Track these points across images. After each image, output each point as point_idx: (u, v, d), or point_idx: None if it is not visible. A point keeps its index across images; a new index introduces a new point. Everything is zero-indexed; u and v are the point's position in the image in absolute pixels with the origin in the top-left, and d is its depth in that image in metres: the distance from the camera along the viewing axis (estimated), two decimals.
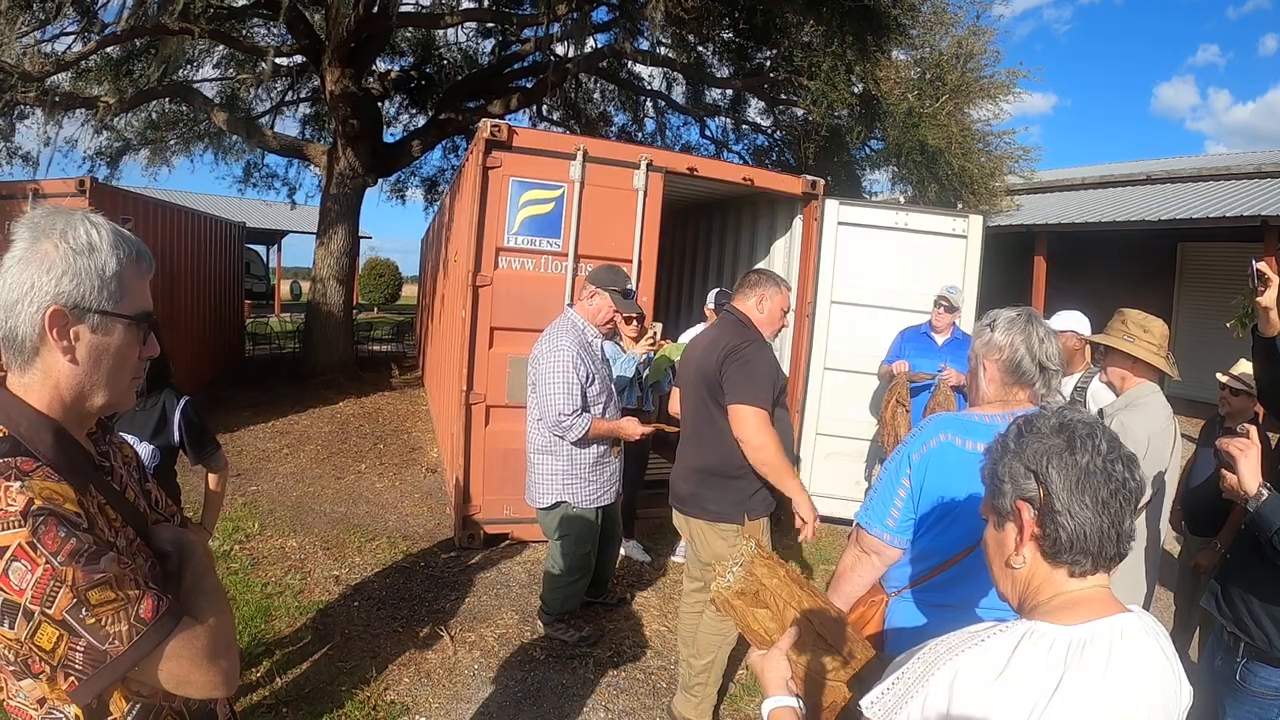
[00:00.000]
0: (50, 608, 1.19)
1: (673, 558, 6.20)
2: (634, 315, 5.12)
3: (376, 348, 17.87)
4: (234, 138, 15.59)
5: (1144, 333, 3.48)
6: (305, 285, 31.52)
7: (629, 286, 4.68)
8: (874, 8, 9.66)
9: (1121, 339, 3.50)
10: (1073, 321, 4.80)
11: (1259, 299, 2.91)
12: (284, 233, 29.55)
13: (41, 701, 1.33)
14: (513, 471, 5.99)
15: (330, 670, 4.27)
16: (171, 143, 15.90)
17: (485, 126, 5.70)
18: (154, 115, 15.24)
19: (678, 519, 4.01)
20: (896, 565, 2.50)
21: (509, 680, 4.31)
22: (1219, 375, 4.66)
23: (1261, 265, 2.90)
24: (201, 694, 1.38)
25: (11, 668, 1.29)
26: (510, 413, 6.00)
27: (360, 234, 13.96)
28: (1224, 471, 2.63)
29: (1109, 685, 1.18)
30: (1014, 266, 13.54)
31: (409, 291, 33.99)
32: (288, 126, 20.58)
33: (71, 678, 1.25)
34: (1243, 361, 4.63)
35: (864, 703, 1.37)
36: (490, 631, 4.84)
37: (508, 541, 6.19)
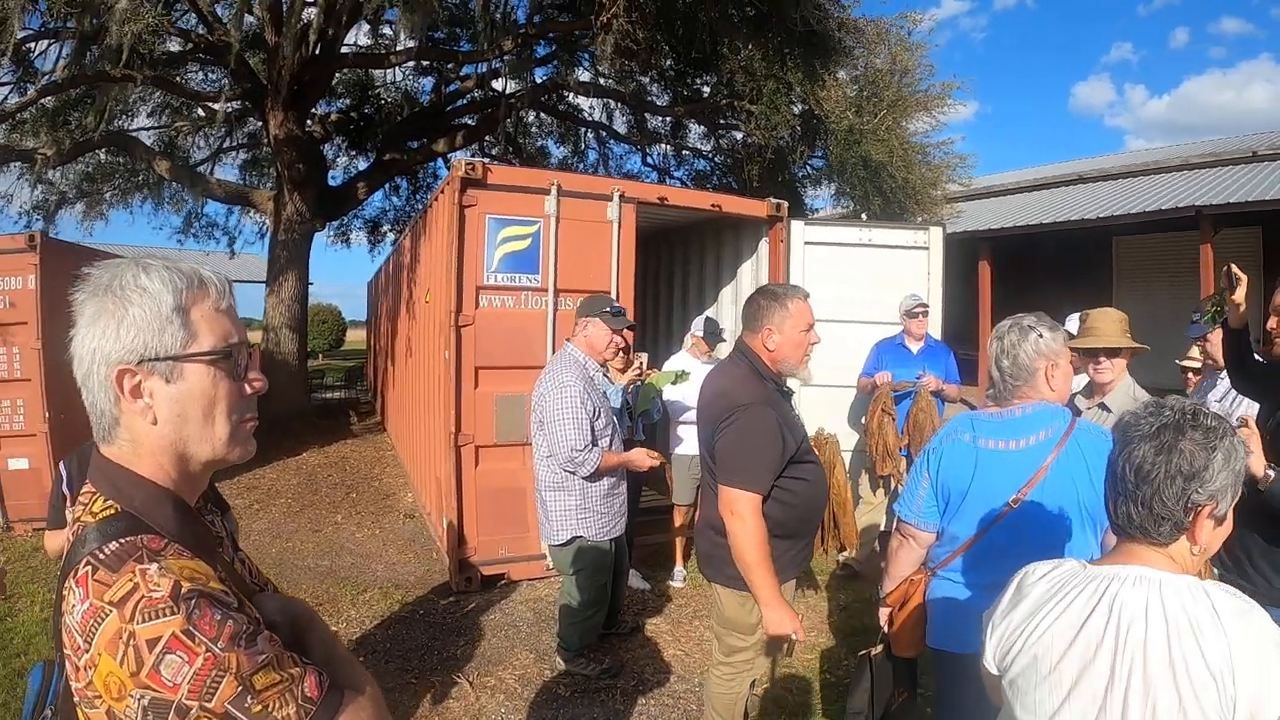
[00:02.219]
0: (211, 700, 1.07)
1: (671, 583, 6.22)
2: (628, 327, 4.98)
3: (329, 395, 17.59)
4: (174, 187, 15.35)
5: (1128, 328, 3.77)
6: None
7: (614, 304, 4.70)
8: (821, 31, 9.89)
9: (1128, 339, 3.78)
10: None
11: (1233, 296, 3.21)
12: None
13: None
14: (506, 511, 5.98)
15: None
16: (108, 195, 15.58)
17: (460, 165, 5.71)
18: (90, 168, 14.95)
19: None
20: (935, 547, 2.81)
21: None
22: (1179, 362, 5.33)
23: (1235, 268, 3.19)
24: None
25: None
26: (499, 452, 5.99)
27: None
28: None
29: (1088, 604, 1.53)
30: (961, 273, 13.85)
31: (353, 336, 33.56)
32: (225, 173, 20.46)
33: None
34: (1194, 346, 5.14)
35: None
36: (508, 674, 4.77)
37: (504, 581, 6.13)
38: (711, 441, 3.17)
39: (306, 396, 13.74)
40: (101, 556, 1.11)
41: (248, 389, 1.31)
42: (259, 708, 1.10)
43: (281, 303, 12.65)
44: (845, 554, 6.54)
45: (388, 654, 5.08)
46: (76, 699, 1.15)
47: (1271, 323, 3.09)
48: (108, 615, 1.07)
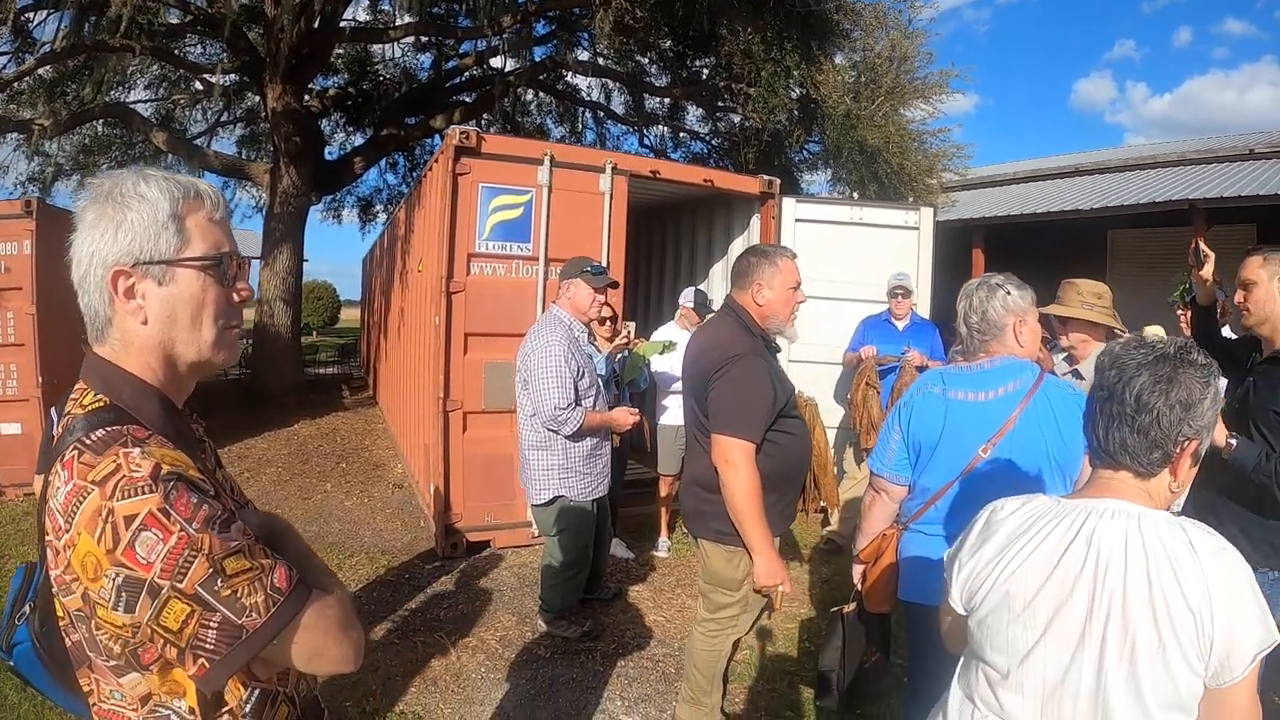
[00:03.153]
0: (182, 581, 1.10)
1: (655, 552, 6.28)
2: (610, 285, 4.93)
3: (323, 370, 17.59)
4: (170, 159, 15.32)
5: (1098, 299, 3.87)
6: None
7: (595, 264, 4.71)
8: (819, 13, 9.89)
9: (1081, 308, 3.81)
10: None
11: (1200, 273, 3.39)
12: None
13: (146, 699, 1.21)
14: (493, 477, 6.02)
15: (330, 687, 4.08)
16: (104, 166, 15.54)
17: (454, 133, 5.71)
18: (86, 139, 14.92)
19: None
20: (906, 500, 2.86)
21: (519, 680, 4.30)
22: None
23: (1203, 245, 3.38)
24: (333, 668, 1.29)
25: (113, 662, 1.18)
26: (487, 419, 6.03)
27: None
28: None
29: (1064, 537, 1.53)
30: (954, 260, 13.86)
31: (347, 315, 33.47)
32: (222, 147, 20.19)
33: (201, 659, 1.14)
34: (1145, 329, 5.41)
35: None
36: (490, 635, 4.82)
37: (489, 549, 6.18)
38: (703, 394, 3.19)
39: (300, 370, 13.75)
40: (88, 442, 1.15)
41: (235, 297, 1.36)
42: (228, 592, 1.13)
43: (276, 275, 12.64)
44: (829, 528, 6.61)
45: (372, 615, 5.11)
46: (55, 589, 1.19)
47: (1238, 296, 3.15)
48: (89, 494, 1.10)
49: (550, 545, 4.65)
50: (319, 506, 7.73)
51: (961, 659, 1.75)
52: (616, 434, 4.90)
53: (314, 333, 28.65)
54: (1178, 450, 1.52)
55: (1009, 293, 2.71)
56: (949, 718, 1.71)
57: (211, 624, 1.13)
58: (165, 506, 1.11)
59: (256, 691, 1.30)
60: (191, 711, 1.22)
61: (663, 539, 6.38)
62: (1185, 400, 1.50)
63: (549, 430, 4.40)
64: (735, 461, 3.02)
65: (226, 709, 1.26)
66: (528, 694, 4.17)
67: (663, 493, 6.39)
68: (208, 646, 1.14)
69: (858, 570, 3.04)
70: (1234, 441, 2.87)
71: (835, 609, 3.23)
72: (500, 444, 5.97)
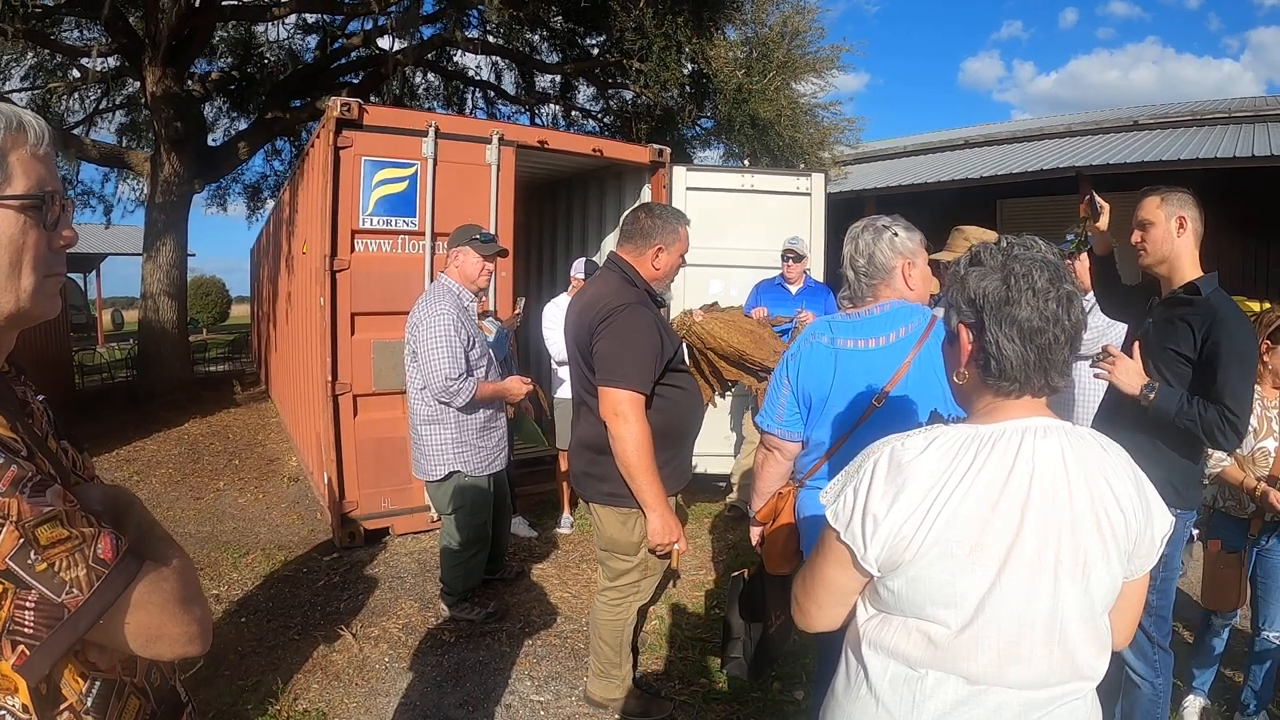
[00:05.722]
0: None
1: (558, 529, 6.20)
2: (499, 254, 4.63)
3: (213, 368, 16.95)
4: None
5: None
6: (127, 314, 29.52)
7: (483, 231, 4.58)
8: None
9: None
10: None
11: (1097, 224, 3.41)
12: (101, 256, 27.37)
13: None
14: (387, 462, 5.84)
15: (231, 692, 3.92)
16: None
17: (335, 105, 5.48)
18: None
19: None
20: (801, 456, 2.71)
21: (424, 667, 4.16)
22: None
23: (1098, 197, 3.40)
24: (175, 651, 1.16)
25: None
26: (379, 401, 5.85)
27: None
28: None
29: (1003, 465, 1.38)
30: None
31: (238, 311, 32.53)
32: (101, 137, 19.00)
33: (21, 646, 1.02)
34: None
35: (821, 498, 1.54)
36: (392, 624, 4.65)
37: (389, 536, 6.00)
38: (588, 348, 3.11)
39: (189, 367, 13.19)
40: None
41: (59, 241, 1.21)
42: (44, 565, 1.00)
43: (159, 269, 12.06)
44: (731, 496, 6.61)
45: (270, 613, 4.89)
46: None
47: (1135, 237, 3.14)
48: None
49: (447, 524, 4.51)
50: (212, 506, 7.41)
51: (869, 624, 1.52)
52: (510, 404, 4.76)
53: (203, 329, 27.71)
54: None
55: (896, 234, 2.59)
56: (879, 694, 1.49)
57: (28, 604, 1.01)
58: None
59: (98, 683, 1.16)
60: (25, 710, 1.08)
61: (565, 516, 6.31)
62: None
63: (441, 403, 4.25)
64: (624, 414, 2.96)
65: (66, 705, 1.12)
66: (434, 680, 4.04)
67: (563, 468, 6.27)
68: (26, 630, 1.01)
69: (755, 532, 2.94)
70: (1151, 394, 2.81)
71: (735, 573, 3.16)
72: (393, 426, 5.79)
